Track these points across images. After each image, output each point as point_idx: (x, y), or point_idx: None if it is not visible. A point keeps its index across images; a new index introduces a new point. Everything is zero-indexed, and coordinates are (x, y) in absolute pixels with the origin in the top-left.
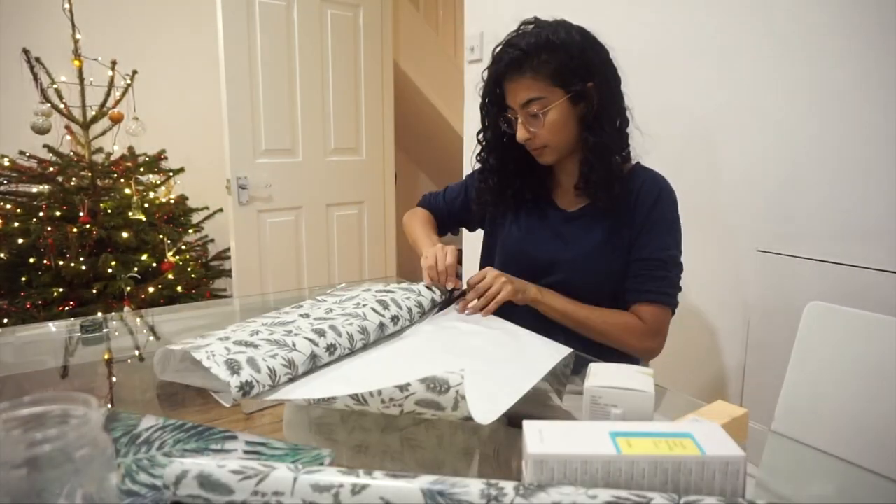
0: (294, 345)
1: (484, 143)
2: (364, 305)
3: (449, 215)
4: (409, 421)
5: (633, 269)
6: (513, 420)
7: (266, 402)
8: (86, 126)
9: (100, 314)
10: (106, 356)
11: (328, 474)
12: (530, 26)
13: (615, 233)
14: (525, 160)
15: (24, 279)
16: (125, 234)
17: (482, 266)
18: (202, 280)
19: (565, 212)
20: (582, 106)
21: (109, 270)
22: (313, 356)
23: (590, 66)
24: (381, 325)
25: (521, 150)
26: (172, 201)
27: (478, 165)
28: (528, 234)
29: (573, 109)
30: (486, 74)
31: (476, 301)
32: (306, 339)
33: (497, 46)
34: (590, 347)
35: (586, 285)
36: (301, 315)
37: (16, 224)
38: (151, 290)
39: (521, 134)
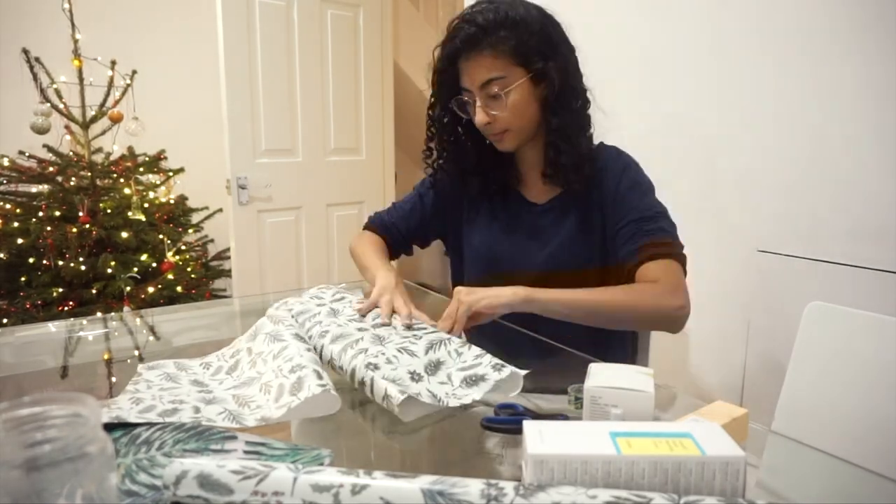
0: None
1: (438, 133)
2: (303, 367)
3: (407, 232)
4: (410, 422)
5: (622, 234)
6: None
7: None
8: (85, 126)
9: (99, 314)
10: (106, 356)
11: (328, 474)
12: (484, 4)
13: (588, 218)
14: (486, 148)
15: (23, 279)
16: (125, 234)
17: (455, 273)
18: (202, 280)
19: (536, 205)
20: (543, 86)
21: (109, 270)
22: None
23: (550, 43)
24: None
25: (480, 137)
26: (172, 201)
27: (429, 170)
28: (501, 235)
29: (534, 90)
30: (437, 53)
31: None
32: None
33: (452, 21)
34: (590, 347)
35: (569, 280)
36: (227, 371)
37: (15, 224)
38: (151, 290)
39: (480, 117)
